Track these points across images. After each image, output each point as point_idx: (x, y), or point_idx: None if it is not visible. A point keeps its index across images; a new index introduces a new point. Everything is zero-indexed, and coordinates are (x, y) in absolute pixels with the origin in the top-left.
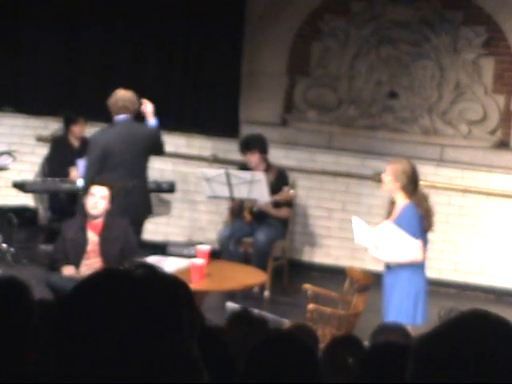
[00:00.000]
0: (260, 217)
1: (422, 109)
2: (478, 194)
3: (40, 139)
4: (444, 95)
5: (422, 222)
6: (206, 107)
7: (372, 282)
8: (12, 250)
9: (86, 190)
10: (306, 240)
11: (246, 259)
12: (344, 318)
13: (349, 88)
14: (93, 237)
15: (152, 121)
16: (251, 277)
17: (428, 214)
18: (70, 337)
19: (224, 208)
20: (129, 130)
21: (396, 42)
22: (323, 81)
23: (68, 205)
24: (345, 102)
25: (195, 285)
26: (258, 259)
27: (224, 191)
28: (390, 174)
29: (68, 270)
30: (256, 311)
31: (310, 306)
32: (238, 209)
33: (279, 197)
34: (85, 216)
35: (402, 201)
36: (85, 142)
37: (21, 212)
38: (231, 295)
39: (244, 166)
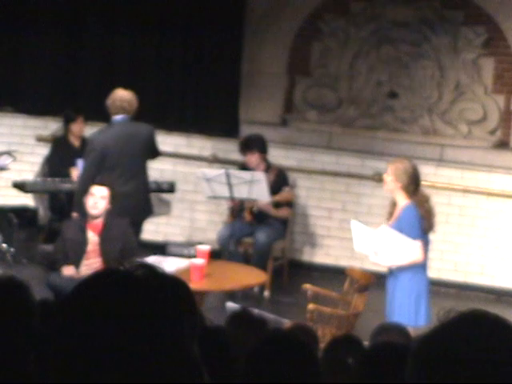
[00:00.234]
0: (260, 217)
1: (422, 109)
2: (478, 194)
3: (40, 139)
4: (444, 95)
5: (422, 223)
6: (206, 107)
7: (372, 282)
8: (12, 250)
9: (82, 190)
10: (306, 240)
11: (246, 259)
12: (344, 317)
13: (349, 88)
14: (93, 237)
15: None
16: (251, 277)
17: (429, 215)
18: (71, 337)
19: (224, 208)
20: (127, 130)
21: (396, 42)
22: (323, 81)
23: (68, 205)
24: (345, 102)
25: (195, 285)
26: (257, 259)
27: (224, 191)
28: (392, 174)
29: (68, 270)
30: (256, 311)
31: (310, 306)
32: (237, 209)
33: (279, 197)
34: (85, 216)
35: (402, 201)
36: (85, 142)
37: (21, 212)
38: (231, 295)
39: (244, 166)
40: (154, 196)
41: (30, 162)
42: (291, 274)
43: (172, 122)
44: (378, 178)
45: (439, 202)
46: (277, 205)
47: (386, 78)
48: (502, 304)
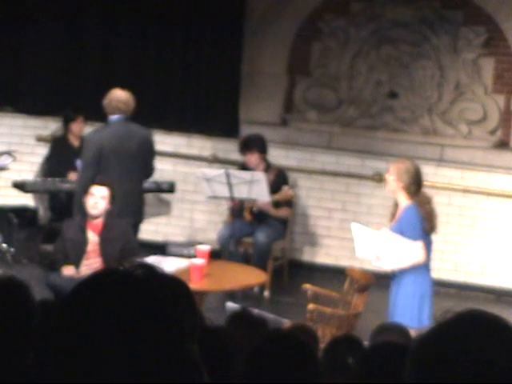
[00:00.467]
0: (260, 217)
1: (422, 109)
2: (478, 194)
3: (40, 139)
4: (444, 95)
5: (423, 224)
6: (206, 107)
7: (372, 282)
8: (12, 249)
9: (81, 191)
10: (306, 240)
11: (246, 259)
12: (344, 317)
13: (349, 88)
14: (93, 237)
15: None
16: (251, 277)
17: (430, 216)
18: (71, 337)
19: (224, 208)
20: (122, 130)
21: (396, 42)
22: (323, 81)
23: (68, 205)
24: (345, 102)
25: (195, 285)
26: (257, 259)
27: (224, 191)
28: (393, 174)
29: (68, 270)
30: (256, 311)
31: (310, 306)
32: (237, 209)
33: (279, 196)
34: (85, 216)
35: (404, 201)
36: (84, 142)
37: (21, 212)
38: (231, 295)
39: (244, 166)
40: (153, 196)
41: (29, 162)
42: (291, 273)
43: (172, 122)
44: (378, 178)
45: (439, 202)
46: (276, 204)
47: (386, 78)
48: (502, 304)
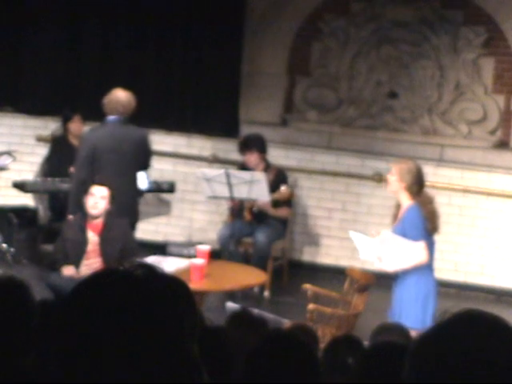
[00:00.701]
0: (260, 217)
1: (422, 109)
2: (478, 194)
3: (40, 139)
4: (444, 95)
5: (425, 224)
6: (206, 107)
7: (372, 282)
8: (12, 249)
9: (75, 190)
10: (306, 240)
11: (246, 259)
12: (344, 318)
13: (349, 88)
14: (93, 237)
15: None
16: (251, 277)
17: (432, 216)
18: (71, 337)
19: (224, 208)
20: (117, 131)
21: (396, 42)
22: (323, 81)
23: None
24: (345, 102)
25: (195, 285)
26: (257, 259)
27: (224, 191)
28: (395, 174)
29: (68, 270)
30: (256, 311)
31: (310, 306)
32: (237, 209)
33: (277, 195)
34: (84, 215)
35: (406, 202)
36: None
37: (21, 212)
38: (231, 295)
39: (243, 166)
40: (153, 196)
41: (29, 162)
42: (291, 274)
43: (172, 122)
44: (377, 178)
45: (439, 202)
46: (276, 204)
47: (386, 78)
48: (502, 304)
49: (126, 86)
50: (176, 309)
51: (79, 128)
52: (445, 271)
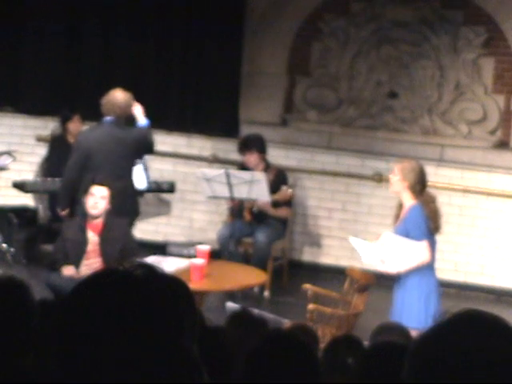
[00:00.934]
0: (260, 217)
1: (422, 109)
2: (478, 194)
3: (40, 139)
4: (444, 95)
5: (428, 223)
6: (206, 107)
7: (372, 282)
8: (12, 249)
9: (63, 188)
10: (306, 240)
11: (246, 259)
12: (344, 318)
13: (349, 88)
14: (93, 237)
15: (143, 121)
16: (251, 277)
17: (435, 215)
18: (71, 337)
19: (224, 208)
20: (113, 132)
21: (396, 42)
22: (323, 81)
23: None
24: (345, 102)
25: (195, 285)
26: (257, 259)
27: (224, 191)
28: (398, 173)
29: (68, 270)
30: (256, 311)
31: (310, 306)
32: (237, 209)
33: (278, 196)
34: (84, 216)
35: (409, 201)
36: None
37: (21, 212)
38: (231, 295)
39: (243, 166)
40: (153, 196)
41: (29, 162)
42: (291, 273)
43: (172, 122)
44: (378, 178)
45: (439, 202)
46: (276, 204)
47: (386, 78)
48: (502, 304)
49: (125, 86)
50: (176, 309)
51: (78, 128)
52: (445, 271)
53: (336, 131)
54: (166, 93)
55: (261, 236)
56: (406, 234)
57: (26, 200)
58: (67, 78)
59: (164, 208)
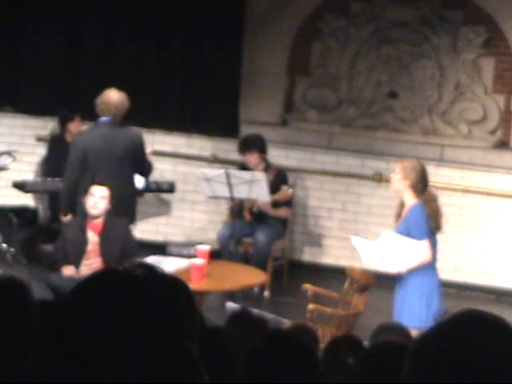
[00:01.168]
0: (260, 217)
1: (422, 109)
2: (478, 194)
3: (40, 139)
4: (444, 95)
5: (429, 222)
6: (206, 107)
7: (372, 282)
8: (12, 249)
9: (65, 190)
10: (306, 240)
11: (246, 259)
12: (344, 318)
13: (349, 88)
14: (93, 237)
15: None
16: (251, 277)
17: (436, 214)
18: (71, 337)
19: (224, 208)
20: (108, 133)
21: (396, 42)
22: (323, 81)
23: None
24: (345, 102)
25: (195, 285)
26: (257, 259)
27: (224, 191)
28: (400, 173)
29: (68, 270)
30: (256, 311)
31: (310, 306)
32: (238, 209)
33: (278, 196)
34: (84, 216)
35: (410, 200)
36: None
37: (21, 212)
38: (231, 295)
39: (243, 166)
40: (153, 196)
41: (29, 162)
42: (291, 273)
43: (172, 122)
44: (378, 178)
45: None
46: (276, 204)
47: (386, 78)
48: (502, 304)
49: (125, 86)
50: (176, 309)
51: (78, 128)
52: (445, 271)
53: (336, 131)
54: (166, 93)
55: (261, 236)
56: (407, 232)
57: (26, 200)
58: (67, 78)
59: (164, 208)
